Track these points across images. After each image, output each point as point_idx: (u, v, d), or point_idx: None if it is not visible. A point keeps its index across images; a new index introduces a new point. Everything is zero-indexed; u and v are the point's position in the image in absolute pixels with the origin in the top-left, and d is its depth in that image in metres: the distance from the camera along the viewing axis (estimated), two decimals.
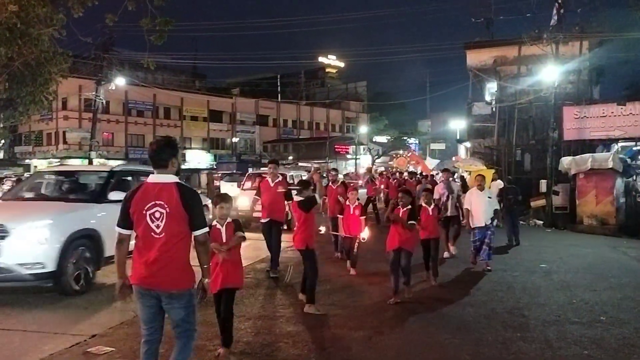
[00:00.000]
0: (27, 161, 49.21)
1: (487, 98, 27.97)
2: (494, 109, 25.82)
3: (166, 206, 3.57)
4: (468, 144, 32.72)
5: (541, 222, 17.98)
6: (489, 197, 9.58)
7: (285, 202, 8.58)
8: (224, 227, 4.94)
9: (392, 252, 7.14)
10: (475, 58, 27.73)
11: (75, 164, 36.13)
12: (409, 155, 47.90)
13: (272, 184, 8.88)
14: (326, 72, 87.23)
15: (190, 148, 56.49)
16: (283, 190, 8.65)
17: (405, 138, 63.51)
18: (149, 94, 49.25)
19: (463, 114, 35.85)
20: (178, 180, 3.69)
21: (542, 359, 5.09)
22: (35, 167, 47.73)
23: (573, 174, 17.05)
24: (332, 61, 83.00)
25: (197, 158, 54.66)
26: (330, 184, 11.50)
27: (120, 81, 25.51)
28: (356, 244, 8.86)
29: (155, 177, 3.72)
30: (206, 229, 3.73)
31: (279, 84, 72.52)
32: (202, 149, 57.78)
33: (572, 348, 5.41)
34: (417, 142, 69.05)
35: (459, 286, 8.32)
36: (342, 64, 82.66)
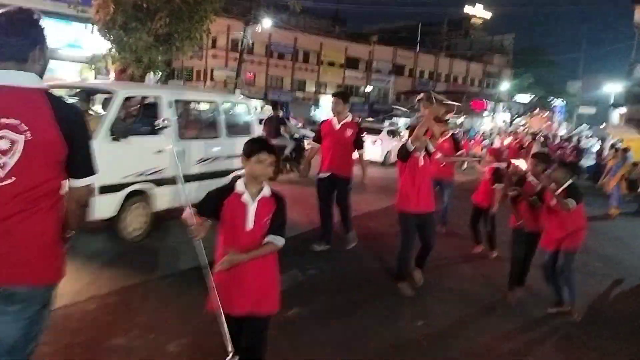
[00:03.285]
0: None
1: None
2: None
3: (25, 128, 1.94)
4: (624, 110, 29.91)
5: None
6: None
7: (357, 151, 6.62)
8: (257, 202, 2.78)
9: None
10: None
11: None
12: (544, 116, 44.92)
13: (337, 127, 6.53)
14: (471, 23, 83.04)
15: (325, 93, 57.58)
16: (353, 135, 6.51)
17: (550, 98, 58.96)
18: (291, 37, 50.53)
19: (621, 76, 32.65)
20: (47, 87, 2.07)
21: None
22: None
23: None
24: (478, 11, 78.72)
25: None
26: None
27: (267, 23, 26.43)
28: (489, 218, 7.00)
29: None
30: (93, 178, 2.17)
31: (419, 32, 70.47)
32: None
33: None
34: (563, 103, 64.07)
35: None
36: (488, 15, 78.11)
